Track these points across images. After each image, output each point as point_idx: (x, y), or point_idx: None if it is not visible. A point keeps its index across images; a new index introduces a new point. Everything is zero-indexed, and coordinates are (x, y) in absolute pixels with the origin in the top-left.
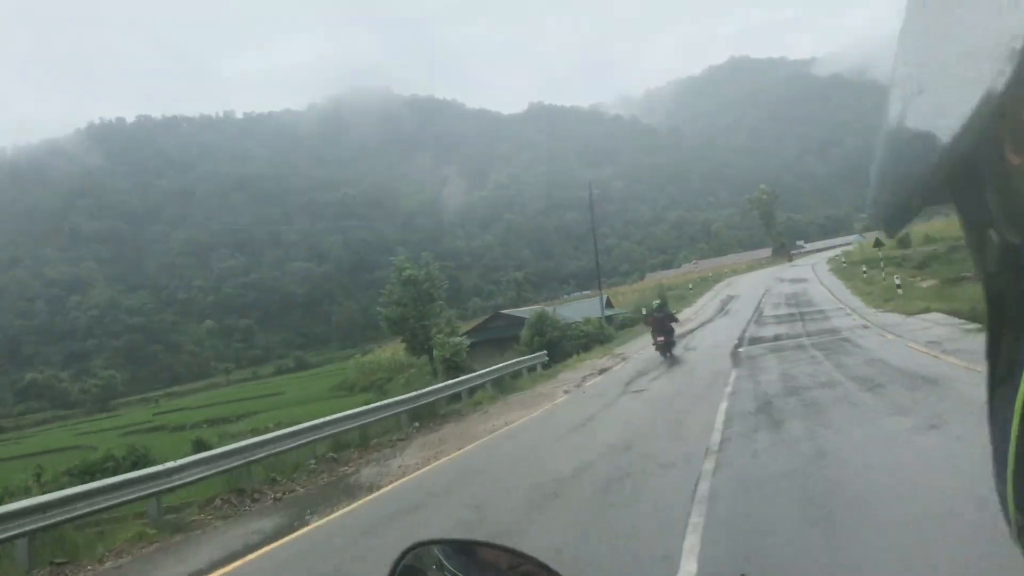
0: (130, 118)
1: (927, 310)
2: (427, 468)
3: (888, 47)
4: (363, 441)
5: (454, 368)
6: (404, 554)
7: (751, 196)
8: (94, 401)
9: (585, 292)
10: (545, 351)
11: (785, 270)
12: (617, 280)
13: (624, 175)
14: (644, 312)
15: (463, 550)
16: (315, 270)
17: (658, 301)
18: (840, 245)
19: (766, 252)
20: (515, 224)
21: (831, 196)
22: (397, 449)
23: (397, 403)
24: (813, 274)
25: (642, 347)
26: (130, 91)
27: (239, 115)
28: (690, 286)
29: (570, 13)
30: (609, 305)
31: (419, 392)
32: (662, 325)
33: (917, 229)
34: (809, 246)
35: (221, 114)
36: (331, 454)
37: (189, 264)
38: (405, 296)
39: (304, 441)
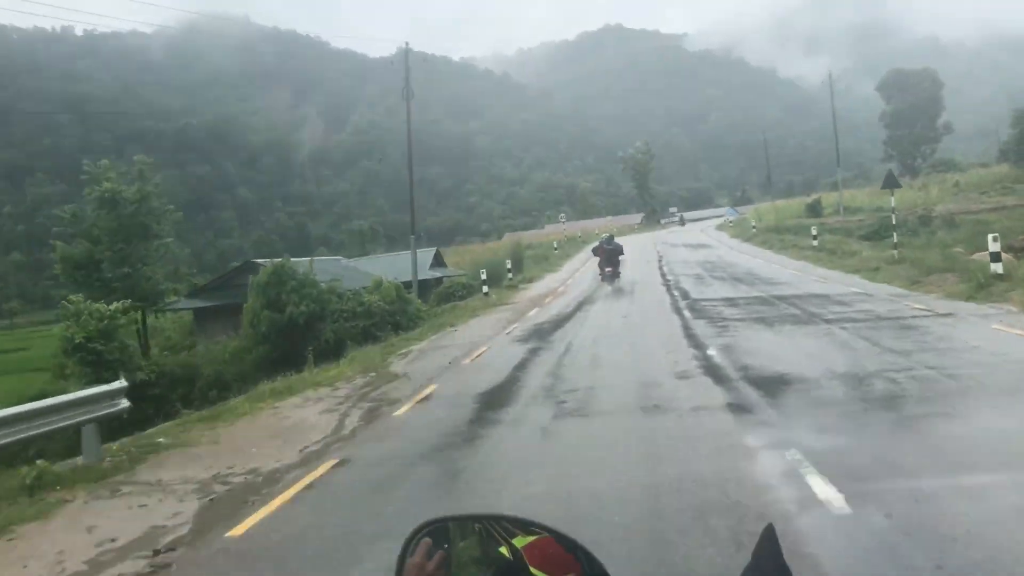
0: None
1: None
2: None
3: (755, 30)
4: None
5: (99, 367)
6: (415, 533)
7: (625, 154)
8: None
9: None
10: (122, 383)
11: (668, 234)
12: (477, 239)
13: (491, 131)
14: (595, 245)
15: (477, 525)
16: None
17: (607, 234)
18: (711, 216)
19: (636, 218)
20: (373, 172)
21: (693, 170)
22: None
23: None
24: (713, 240)
25: (465, 354)
26: None
27: (79, 32)
28: (555, 245)
29: None
30: (439, 263)
31: None
32: (610, 257)
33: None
34: (680, 215)
35: (59, 29)
36: None
37: None
38: (99, 226)
39: None
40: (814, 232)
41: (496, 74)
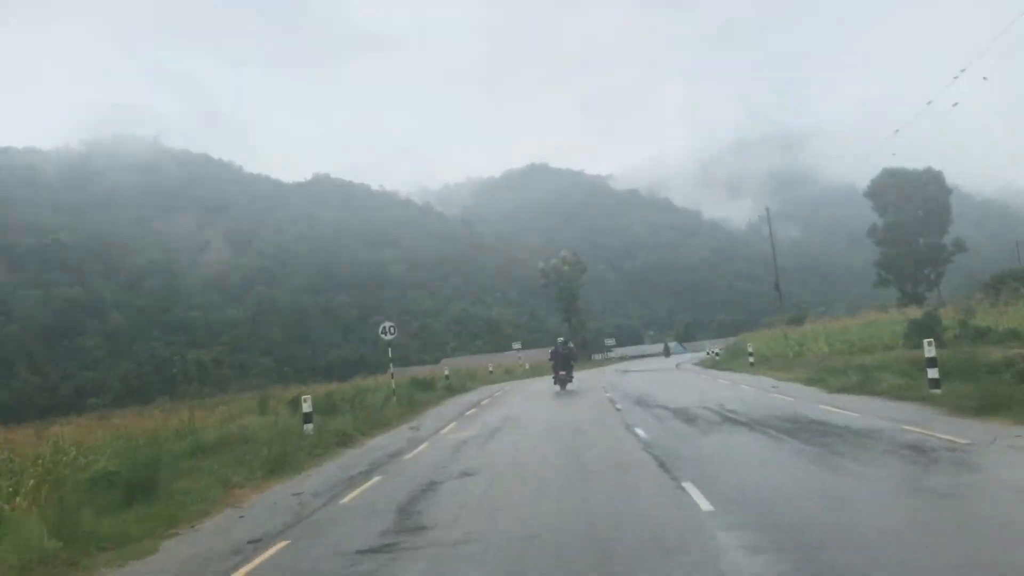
0: None
1: None
2: None
3: (680, 173)
4: None
5: None
6: None
7: (547, 264)
8: None
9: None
10: None
11: (639, 379)
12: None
13: (407, 260)
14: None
15: None
16: None
17: (561, 338)
18: (652, 354)
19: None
20: (269, 299)
21: (621, 307)
22: None
23: None
24: (812, 406)
25: None
26: None
27: None
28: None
29: (372, 99)
30: None
31: None
32: (564, 360)
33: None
34: (620, 350)
35: None
36: None
37: None
38: None
39: None
40: None
41: (418, 203)
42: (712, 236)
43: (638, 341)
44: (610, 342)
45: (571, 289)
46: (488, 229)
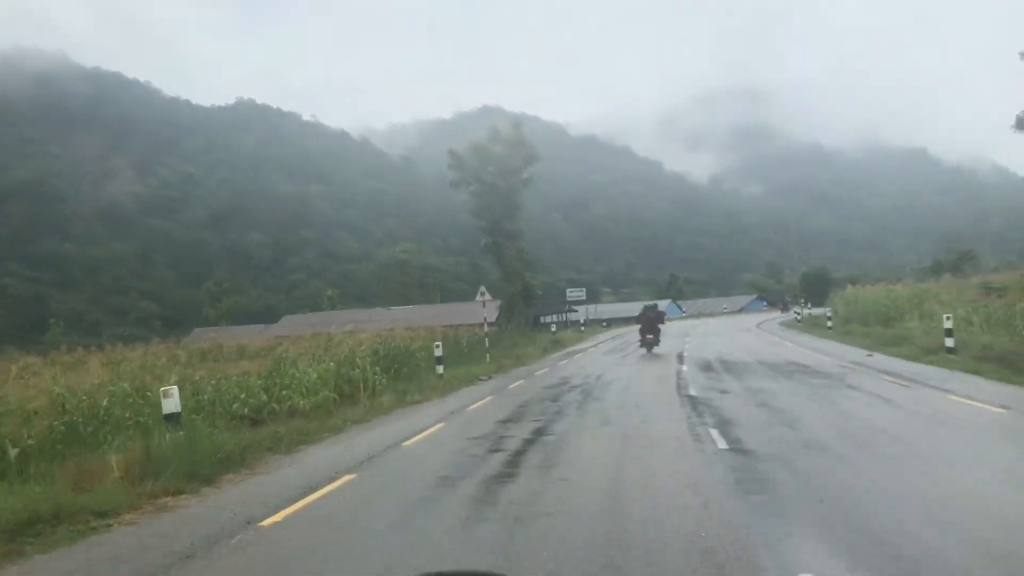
0: None
1: None
2: None
3: (641, 123)
4: None
5: None
6: None
7: (455, 150)
8: None
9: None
10: None
11: None
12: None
13: (336, 197)
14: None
15: None
16: None
17: (650, 302)
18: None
19: (482, 311)
20: (163, 232)
21: (575, 261)
22: None
23: None
24: None
25: None
26: None
27: None
28: None
29: (317, 31)
30: None
31: None
32: (651, 323)
33: None
34: (582, 308)
35: None
36: None
37: None
38: None
39: None
40: None
41: (353, 136)
42: (674, 189)
43: (595, 300)
44: (576, 293)
45: (506, 193)
46: (434, 171)
